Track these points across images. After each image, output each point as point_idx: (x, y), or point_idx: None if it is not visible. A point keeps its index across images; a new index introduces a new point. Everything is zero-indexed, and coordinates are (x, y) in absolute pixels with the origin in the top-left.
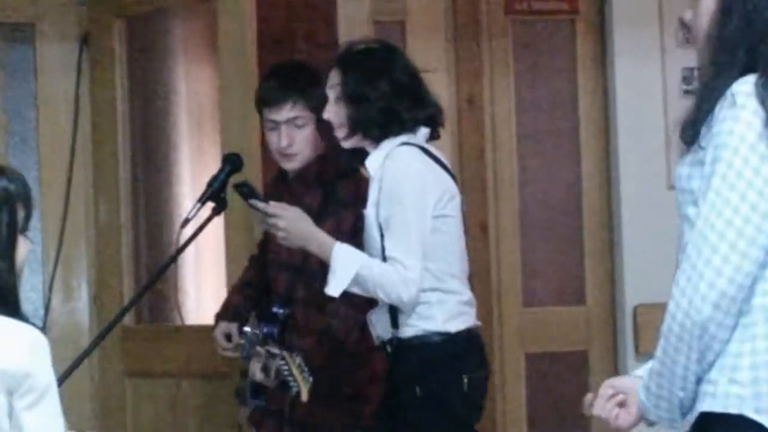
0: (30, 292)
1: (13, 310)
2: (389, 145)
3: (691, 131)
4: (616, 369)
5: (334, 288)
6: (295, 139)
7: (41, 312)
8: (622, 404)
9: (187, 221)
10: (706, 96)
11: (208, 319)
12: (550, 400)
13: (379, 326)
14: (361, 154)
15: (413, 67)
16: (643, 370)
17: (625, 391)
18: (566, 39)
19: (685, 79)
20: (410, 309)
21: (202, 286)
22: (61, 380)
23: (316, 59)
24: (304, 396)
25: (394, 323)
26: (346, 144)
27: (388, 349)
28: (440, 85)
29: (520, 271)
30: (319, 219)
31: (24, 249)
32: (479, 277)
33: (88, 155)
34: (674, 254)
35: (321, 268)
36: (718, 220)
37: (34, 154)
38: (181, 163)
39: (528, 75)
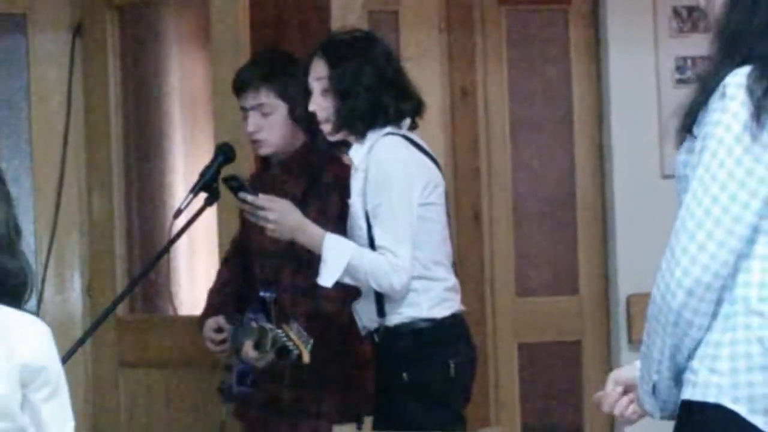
0: None
1: (22, 301)
2: (374, 136)
3: (688, 120)
4: (609, 359)
5: (326, 278)
6: (262, 127)
7: (34, 303)
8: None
9: (179, 212)
10: (704, 86)
11: (201, 309)
12: (544, 390)
13: (365, 316)
14: (343, 143)
15: (396, 58)
16: None
17: (630, 383)
18: (559, 28)
19: (679, 69)
20: (401, 297)
21: (195, 277)
22: None
23: (309, 49)
24: (306, 357)
25: (381, 312)
26: (332, 138)
27: (375, 338)
28: (433, 75)
29: (513, 260)
30: (303, 205)
31: None
32: (472, 267)
33: (80, 146)
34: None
35: (308, 253)
36: (698, 209)
37: (26, 144)
38: (173, 153)
39: (521, 65)
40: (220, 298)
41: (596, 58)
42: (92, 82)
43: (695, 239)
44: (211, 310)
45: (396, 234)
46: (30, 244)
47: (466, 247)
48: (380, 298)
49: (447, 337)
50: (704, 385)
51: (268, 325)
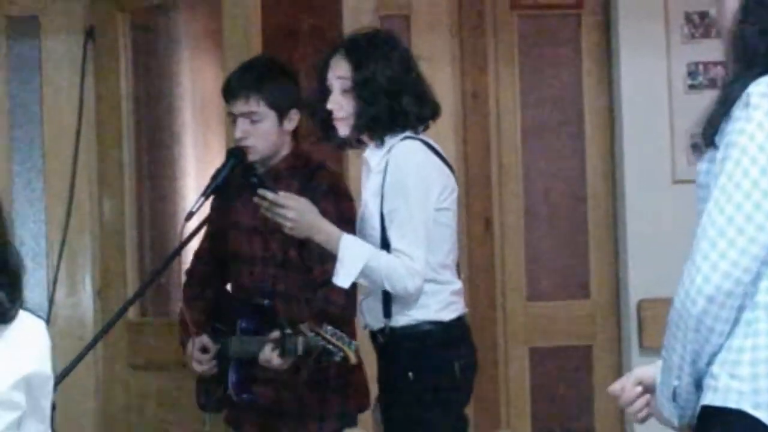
0: (34, 285)
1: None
2: (392, 140)
3: (709, 131)
4: (620, 364)
5: (343, 279)
6: (249, 133)
7: (45, 305)
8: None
9: (191, 214)
10: (726, 95)
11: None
12: (554, 395)
13: (370, 315)
14: (358, 141)
15: (416, 61)
16: None
17: (651, 383)
18: (571, 33)
19: (691, 74)
20: (414, 300)
21: None
22: (65, 374)
23: (321, 53)
24: (353, 358)
25: (387, 313)
26: (347, 137)
27: (380, 338)
28: (445, 79)
29: (524, 265)
30: None
31: None
32: (483, 271)
33: (92, 148)
34: (680, 249)
35: (300, 259)
36: (720, 217)
37: (38, 147)
38: (185, 156)
39: (533, 69)
40: (198, 316)
41: (608, 64)
42: (104, 85)
43: (717, 247)
44: (192, 328)
45: (412, 238)
46: (41, 246)
47: (477, 252)
48: (388, 299)
49: (452, 339)
50: (725, 391)
51: (290, 330)
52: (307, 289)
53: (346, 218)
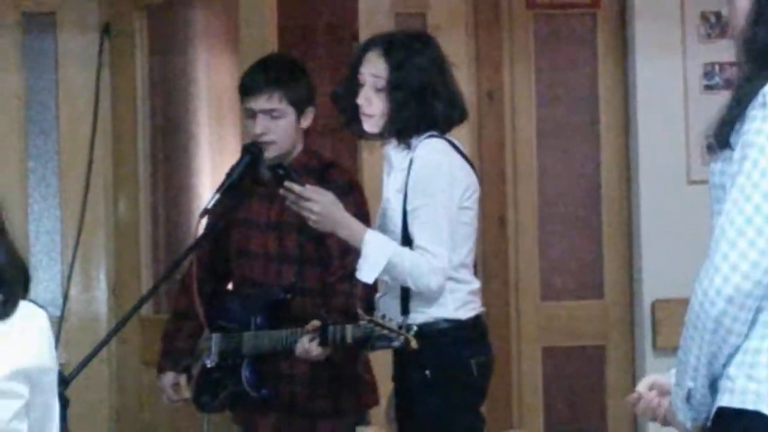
0: (48, 281)
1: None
2: (416, 139)
3: (724, 131)
4: (633, 364)
5: (367, 274)
6: (270, 129)
7: (60, 301)
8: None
9: (206, 211)
10: (740, 96)
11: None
12: (567, 395)
13: (387, 312)
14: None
15: (449, 64)
16: None
17: (666, 390)
18: (587, 32)
19: (707, 74)
20: (436, 298)
21: None
22: (79, 369)
23: (337, 50)
24: (414, 343)
25: (405, 310)
26: (372, 132)
27: None
28: (460, 78)
29: (538, 264)
30: None
31: None
32: (497, 270)
33: (108, 145)
34: (694, 249)
35: (315, 254)
36: (739, 217)
37: (54, 143)
38: (200, 153)
39: (548, 68)
40: (181, 344)
41: (624, 63)
42: (120, 81)
43: (736, 247)
44: (170, 358)
45: (436, 235)
46: (56, 242)
47: (492, 251)
48: (406, 296)
49: (469, 338)
50: (742, 392)
51: (331, 321)
52: (325, 285)
53: (364, 214)
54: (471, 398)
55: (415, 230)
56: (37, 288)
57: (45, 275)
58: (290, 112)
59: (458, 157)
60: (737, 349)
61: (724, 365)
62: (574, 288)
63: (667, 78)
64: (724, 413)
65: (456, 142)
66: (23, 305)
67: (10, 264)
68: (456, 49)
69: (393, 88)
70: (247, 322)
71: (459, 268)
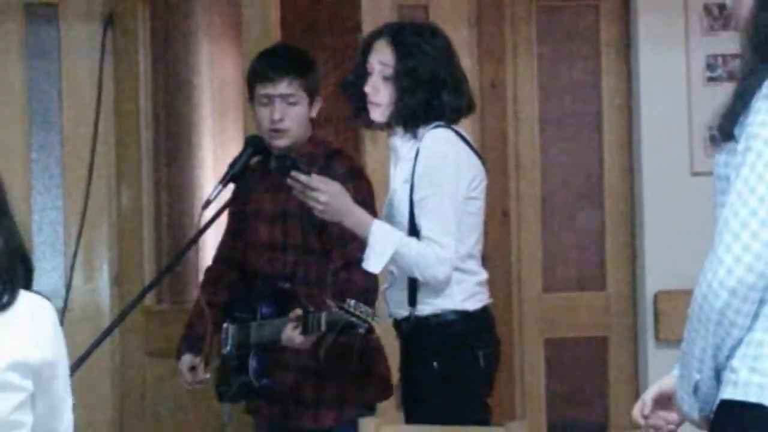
0: (51, 272)
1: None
2: (423, 129)
3: (728, 123)
4: (635, 355)
5: (373, 264)
6: (287, 115)
7: (62, 292)
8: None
9: (208, 203)
10: (744, 89)
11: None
12: (569, 386)
13: (394, 304)
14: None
15: (457, 54)
16: None
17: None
18: (590, 24)
19: (710, 67)
20: (443, 289)
21: None
22: (82, 360)
23: (339, 42)
24: (377, 330)
25: (412, 301)
26: (378, 120)
27: (404, 327)
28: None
29: (540, 256)
30: None
31: None
32: (500, 262)
33: (111, 136)
34: (697, 241)
35: (321, 245)
36: (743, 209)
37: (57, 134)
38: (203, 144)
39: (551, 60)
40: (203, 327)
41: (627, 55)
42: (123, 72)
43: (740, 239)
44: (191, 341)
45: (443, 226)
46: (59, 233)
47: (494, 243)
48: (413, 287)
49: (476, 329)
50: (745, 385)
51: (312, 308)
52: (328, 273)
53: (366, 201)
54: (478, 389)
55: (421, 220)
56: (39, 279)
57: (48, 266)
58: (304, 100)
59: (465, 147)
60: (740, 341)
61: (728, 357)
62: (576, 279)
63: (670, 70)
64: (727, 406)
65: (463, 132)
66: (27, 296)
67: (8, 253)
68: (458, 40)
69: (400, 76)
70: (255, 312)
71: (466, 258)
